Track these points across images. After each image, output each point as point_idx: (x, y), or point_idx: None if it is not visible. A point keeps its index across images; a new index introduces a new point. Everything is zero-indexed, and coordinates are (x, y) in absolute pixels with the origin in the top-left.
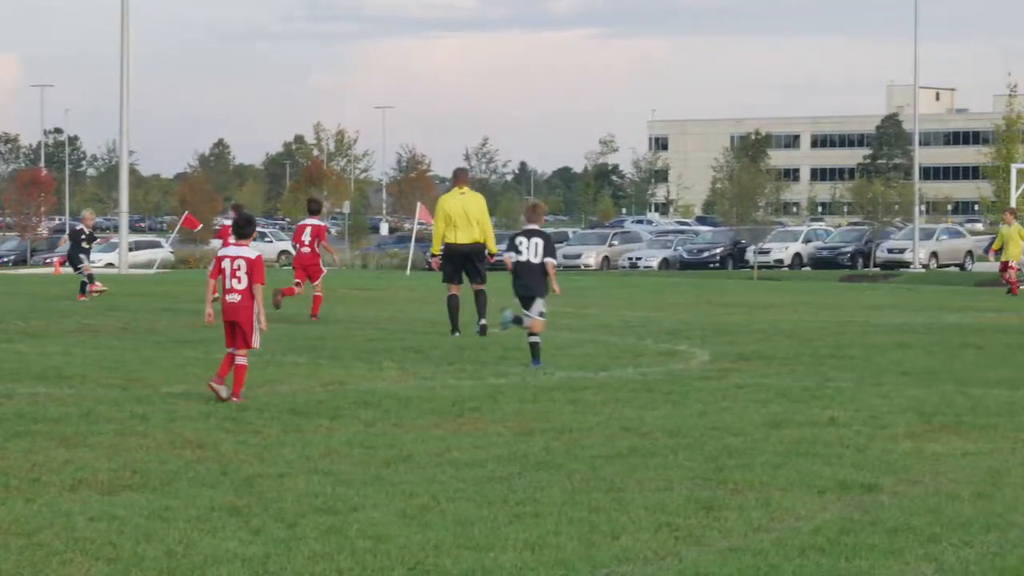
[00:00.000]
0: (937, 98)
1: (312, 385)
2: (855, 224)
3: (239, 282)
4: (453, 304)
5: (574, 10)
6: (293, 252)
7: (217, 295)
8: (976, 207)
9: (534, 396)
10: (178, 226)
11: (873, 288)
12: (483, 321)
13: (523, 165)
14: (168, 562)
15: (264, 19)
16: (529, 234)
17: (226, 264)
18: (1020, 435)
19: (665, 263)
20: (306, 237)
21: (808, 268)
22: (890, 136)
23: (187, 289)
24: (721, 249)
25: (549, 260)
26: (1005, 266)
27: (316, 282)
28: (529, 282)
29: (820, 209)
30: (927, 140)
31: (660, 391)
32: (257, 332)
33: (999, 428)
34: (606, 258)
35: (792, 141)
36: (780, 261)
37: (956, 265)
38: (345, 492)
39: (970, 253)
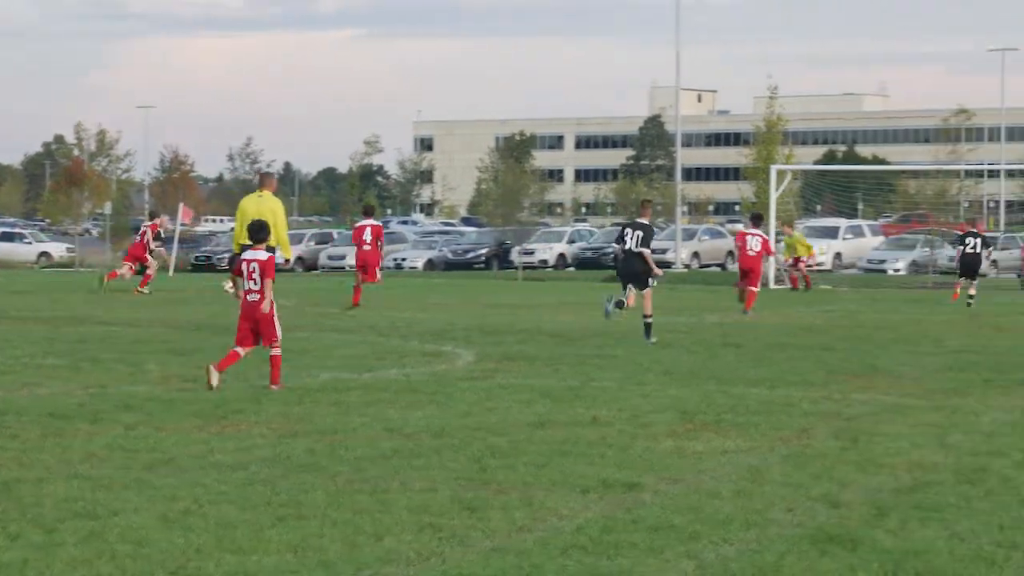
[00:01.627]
0: (699, 100)
1: (72, 388)
2: (618, 224)
3: (255, 283)
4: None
5: (340, 10)
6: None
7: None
8: (737, 208)
9: (298, 398)
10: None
11: None
12: None
13: (288, 165)
14: None
15: (27, 16)
16: (635, 226)
17: (244, 267)
18: (779, 433)
19: (430, 264)
20: (367, 236)
21: (572, 268)
22: (653, 137)
23: None
24: (486, 250)
25: (645, 249)
26: (797, 262)
27: (376, 278)
28: (631, 267)
29: (584, 210)
30: (689, 141)
31: (424, 392)
32: (279, 324)
33: (758, 427)
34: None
35: (556, 142)
36: (544, 261)
37: (717, 265)
38: (105, 496)
39: (731, 253)
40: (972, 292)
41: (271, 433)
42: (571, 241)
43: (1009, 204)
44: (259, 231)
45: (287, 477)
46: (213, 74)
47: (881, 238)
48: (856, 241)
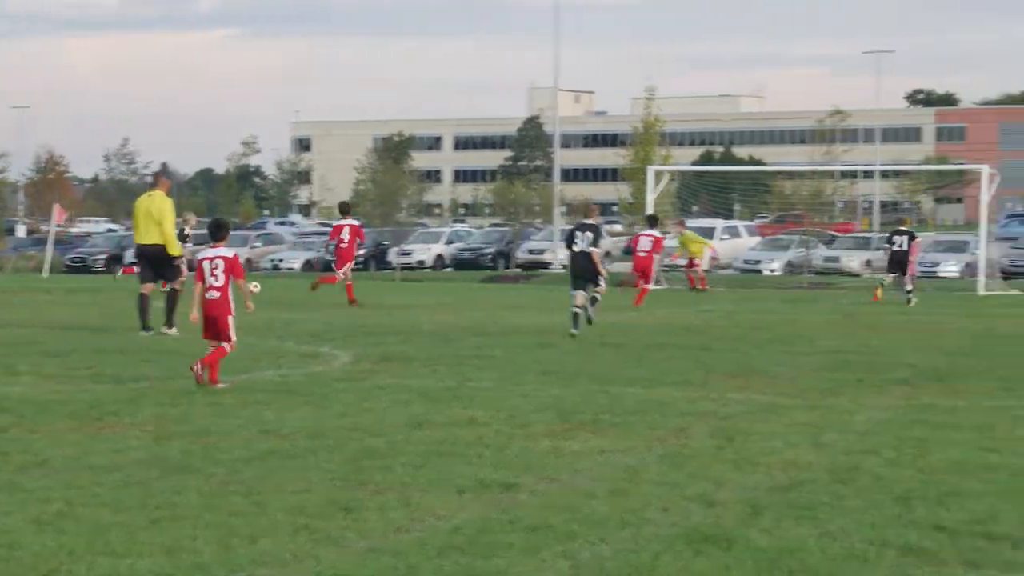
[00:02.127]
0: (577, 101)
1: None
2: (497, 225)
3: (217, 280)
4: (143, 303)
5: (217, 10)
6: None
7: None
8: (615, 208)
9: (173, 399)
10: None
11: (514, 288)
12: (171, 329)
13: (164, 166)
14: None
15: None
16: (584, 228)
17: (206, 265)
18: (655, 433)
19: (308, 265)
20: (345, 235)
21: (450, 269)
22: (531, 138)
23: None
24: (364, 251)
25: (595, 249)
26: (691, 263)
27: (341, 271)
28: (583, 267)
29: (463, 210)
30: (567, 142)
31: (301, 393)
32: (233, 328)
33: (635, 426)
34: (248, 260)
35: (435, 143)
36: (422, 262)
37: None
38: None
39: (608, 254)
40: (909, 287)
41: (146, 435)
42: (449, 242)
43: (884, 205)
44: (219, 229)
45: (162, 479)
46: (89, 74)
47: (757, 238)
48: (732, 242)
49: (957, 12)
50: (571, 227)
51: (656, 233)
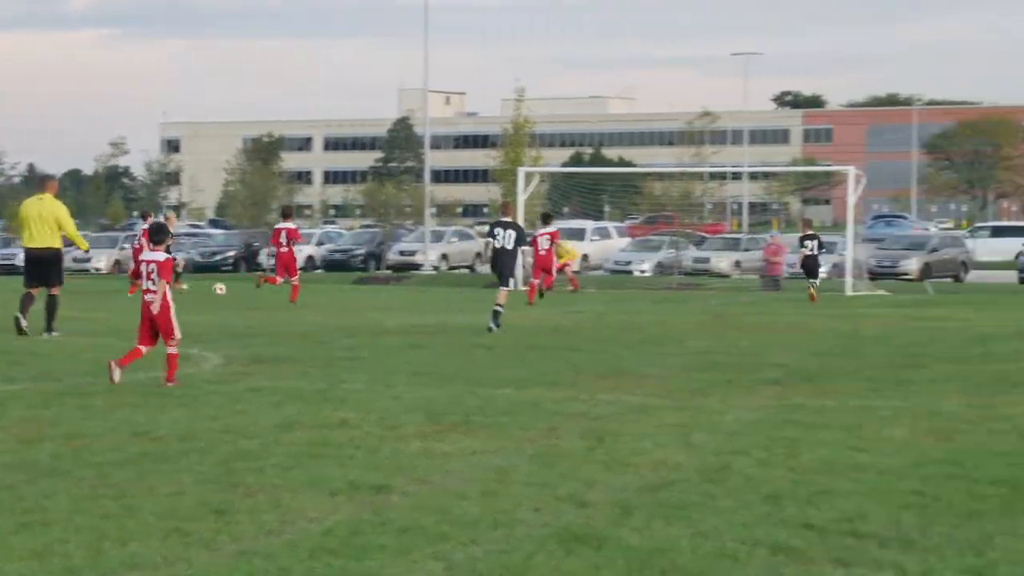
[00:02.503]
0: (447, 102)
1: None
2: (367, 227)
3: (153, 284)
4: (26, 301)
5: (85, 10)
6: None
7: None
8: (486, 210)
9: (43, 402)
10: None
11: (385, 290)
12: (53, 332)
13: (31, 167)
14: None
15: None
16: (505, 225)
17: (143, 268)
18: (526, 434)
19: (117, 265)
20: (283, 239)
21: (321, 270)
22: (401, 139)
23: None
24: (234, 252)
25: (521, 246)
26: (563, 268)
27: (294, 277)
28: (505, 262)
29: (333, 212)
30: (438, 143)
31: (172, 395)
32: (176, 324)
33: (506, 427)
34: (117, 261)
35: (305, 144)
36: None
37: (466, 267)
38: None
39: (479, 255)
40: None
41: (14, 438)
42: (320, 243)
43: (752, 206)
44: (157, 233)
45: (31, 483)
46: None
47: (627, 239)
48: (603, 243)
49: (824, 15)
50: (490, 224)
51: (552, 229)
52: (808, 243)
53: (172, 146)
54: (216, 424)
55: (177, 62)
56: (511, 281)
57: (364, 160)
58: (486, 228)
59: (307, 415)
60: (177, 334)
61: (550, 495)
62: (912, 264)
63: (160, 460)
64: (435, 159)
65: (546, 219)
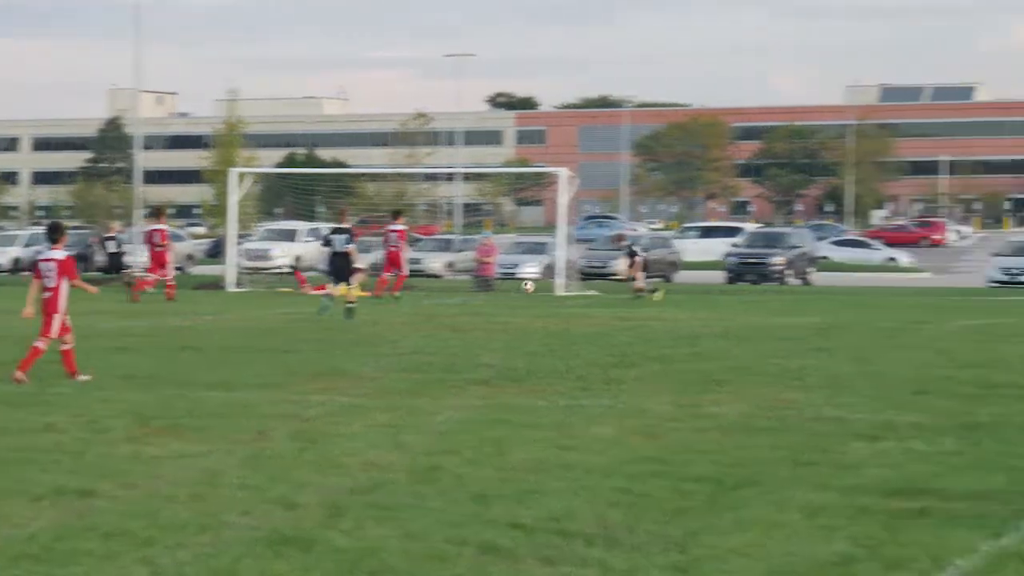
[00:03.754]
0: (160, 102)
1: None
2: (77, 228)
3: (51, 281)
4: None
5: None
6: None
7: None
8: (197, 211)
9: None
10: None
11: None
12: None
13: None
14: None
15: None
16: (339, 231)
17: (42, 266)
18: (236, 436)
19: None
20: (156, 239)
21: (29, 273)
22: (112, 140)
23: None
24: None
25: (350, 247)
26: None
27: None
28: (340, 265)
29: (42, 213)
30: (150, 144)
31: None
32: (56, 326)
33: (216, 429)
34: None
35: (11, 144)
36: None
37: (177, 268)
38: None
39: (191, 257)
40: (640, 286)
41: None
42: (28, 245)
43: (465, 207)
44: (54, 231)
45: None
46: None
47: None
48: (316, 244)
49: (537, 16)
50: (327, 232)
51: (401, 227)
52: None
53: None
54: None
55: None
56: (352, 279)
57: (74, 161)
58: (325, 236)
59: (12, 420)
60: (53, 332)
61: (260, 498)
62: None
63: None
64: (147, 160)
65: (395, 215)
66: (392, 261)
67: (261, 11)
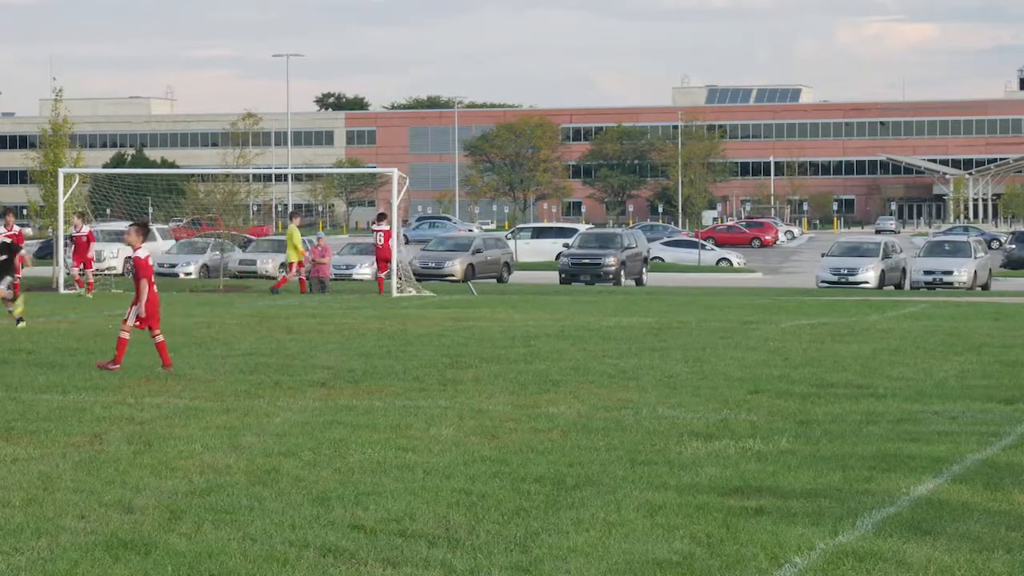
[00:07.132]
0: None
1: None
2: None
3: None
4: None
5: None
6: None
7: None
8: (25, 211)
9: None
10: None
11: None
12: None
13: None
14: None
15: None
16: None
17: None
18: (71, 439)
19: None
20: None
21: None
22: None
23: None
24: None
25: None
26: (292, 266)
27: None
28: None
29: None
30: None
31: None
32: None
33: (50, 433)
34: None
35: None
36: None
37: None
38: None
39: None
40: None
41: None
42: None
43: (297, 206)
44: None
45: None
46: None
47: (172, 242)
48: (147, 244)
49: (364, 16)
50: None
51: (386, 227)
52: None
53: None
54: None
55: None
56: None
57: None
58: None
59: None
60: None
61: (96, 501)
62: (456, 265)
63: None
64: None
65: (380, 218)
66: (382, 258)
67: (86, 9)
